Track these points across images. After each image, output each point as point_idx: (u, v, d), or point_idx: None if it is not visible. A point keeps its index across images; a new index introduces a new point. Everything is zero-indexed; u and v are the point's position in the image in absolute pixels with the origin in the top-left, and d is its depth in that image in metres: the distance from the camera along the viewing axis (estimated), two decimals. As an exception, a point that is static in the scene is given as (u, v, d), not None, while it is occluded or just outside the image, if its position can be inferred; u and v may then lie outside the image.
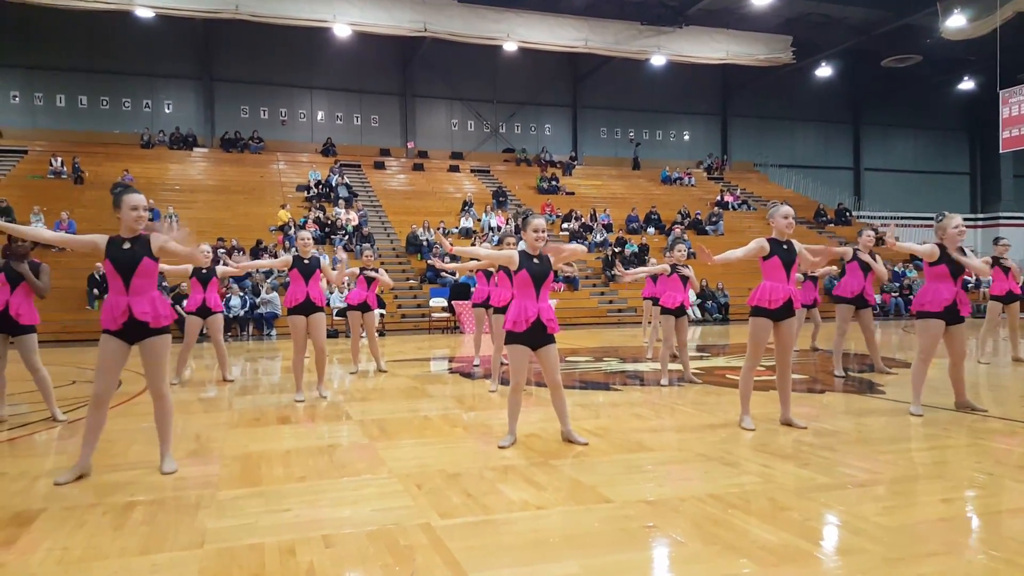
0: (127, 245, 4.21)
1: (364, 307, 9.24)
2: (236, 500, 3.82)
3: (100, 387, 4.23)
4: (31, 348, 5.96)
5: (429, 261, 8.52)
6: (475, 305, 9.05)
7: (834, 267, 11.24)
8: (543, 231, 4.91)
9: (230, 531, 3.33)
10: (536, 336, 4.83)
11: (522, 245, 5.18)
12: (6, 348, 6.06)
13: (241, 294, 16.86)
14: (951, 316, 5.76)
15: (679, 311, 7.90)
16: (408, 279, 20.20)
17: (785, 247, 5.38)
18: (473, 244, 21.30)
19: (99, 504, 3.74)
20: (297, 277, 6.99)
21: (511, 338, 4.84)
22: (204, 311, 8.52)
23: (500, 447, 4.90)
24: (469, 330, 17.35)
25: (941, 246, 5.79)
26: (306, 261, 7.02)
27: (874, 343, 8.53)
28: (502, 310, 7.21)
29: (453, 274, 14.08)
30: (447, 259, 13.89)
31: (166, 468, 4.36)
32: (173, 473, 4.31)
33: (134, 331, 4.21)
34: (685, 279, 7.98)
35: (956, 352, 5.94)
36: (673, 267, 8.00)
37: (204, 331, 8.94)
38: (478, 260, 7.84)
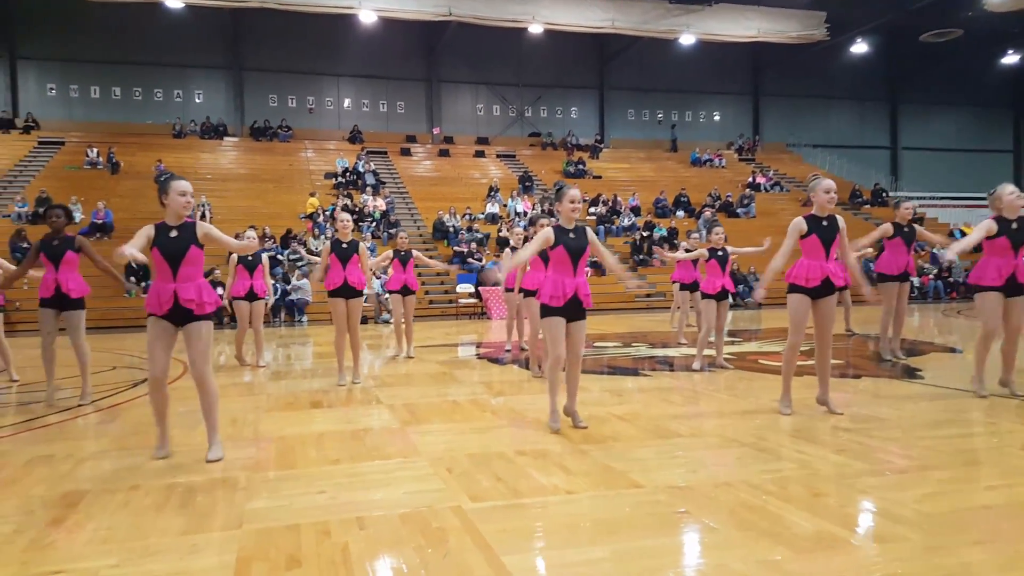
0: (174, 233, 4.21)
1: (405, 290, 9.26)
2: (272, 482, 3.88)
3: (154, 370, 4.30)
4: (77, 325, 6.21)
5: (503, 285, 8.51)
6: (507, 290, 9.05)
7: (869, 250, 10.95)
8: (578, 201, 4.84)
9: (267, 512, 3.39)
10: (572, 310, 4.80)
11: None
12: (56, 324, 6.28)
13: (272, 281, 17.04)
14: (1011, 288, 5.64)
15: (720, 295, 7.79)
16: (434, 257, 20.24)
17: (825, 223, 5.13)
18: (500, 230, 21.32)
19: (141, 486, 3.83)
20: (335, 262, 6.98)
21: (546, 311, 4.81)
22: (251, 296, 8.68)
23: (553, 430, 4.86)
24: (496, 316, 17.38)
25: (998, 218, 5.66)
26: (344, 245, 6.99)
27: (901, 322, 8.16)
28: (533, 293, 7.13)
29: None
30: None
31: (212, 455, 4.29)
32: (219, 461, 4.28)
33: (179, 315, 4.23)
34: (724, 262, 7.80)
35: (1012, 327, 5.77)
36: (711, 251, 7.86)
37: None
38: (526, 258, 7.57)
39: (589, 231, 4.94)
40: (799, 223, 5.17)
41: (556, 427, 4.90)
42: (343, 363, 7.25)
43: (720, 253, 7.78)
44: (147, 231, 4.22)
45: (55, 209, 6.27)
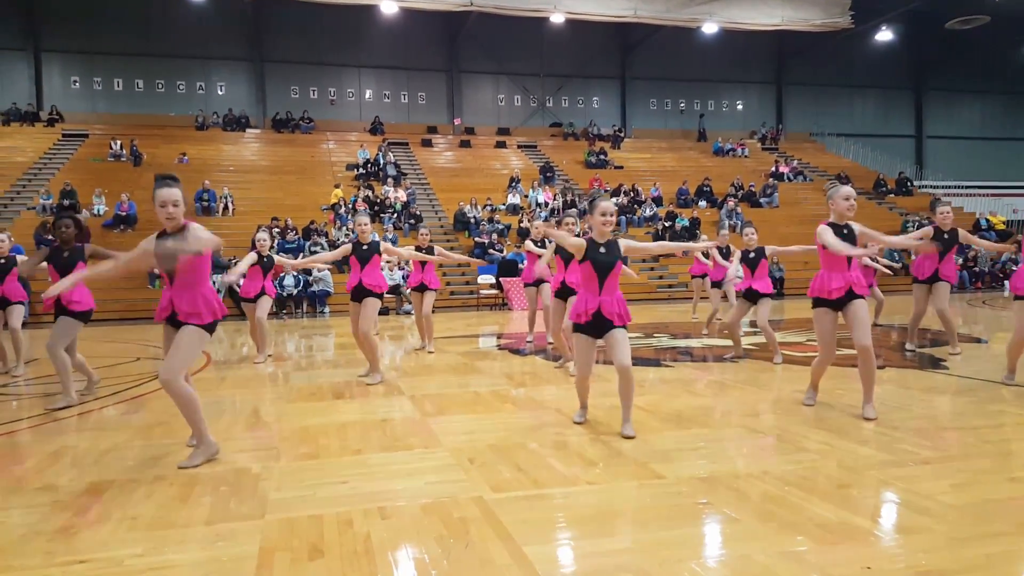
0: (169, 242, 3.96)
1: (421, 287, 9.27)
2: (295, 472, 3.91)
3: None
4: (62, 332, 5.81)
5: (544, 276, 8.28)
6: (527, 285, 9.04)
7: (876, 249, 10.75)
8: (611, 215, 4.59)
9: (290, 502, 3.42)
10: (599, 327, 4.58)
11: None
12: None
13: (294, 273, 17.18)
14: None
15: (748, 295, 7.74)
16: (454, 249, 20.29)
17: (845, 232, 4.93)
18: (521, 222, 21.29)
19: (165, 476, 3.88)
20: (354, 263, 6.94)
21: (575, 328, 4.69)
22: (260, 296, 8.66)
23: (575, 422, 4.88)
24: (518, 307, 17.39)
25: None
26: (364, 247, 6.92)
27: (947, 324, 7.76)
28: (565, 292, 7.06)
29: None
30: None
31: (187, 462, 4.06)
32: (192, 468, 4.01)
33: (177, 321, 4.09)
34: (755, 264, 7.71)
35: None
36: (744, 252, 7.76)
37: None
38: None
39: (622, 242, 4.69)
40: (823, 230, 4.93)
41: (579, 420, 4.92)
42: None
43: (752, 255, 7.64)
44: (146, 243, 4.05)
45: (64, 219, 5.94)
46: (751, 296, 7.67)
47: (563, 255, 6.91)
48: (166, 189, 3.93)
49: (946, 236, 7.36)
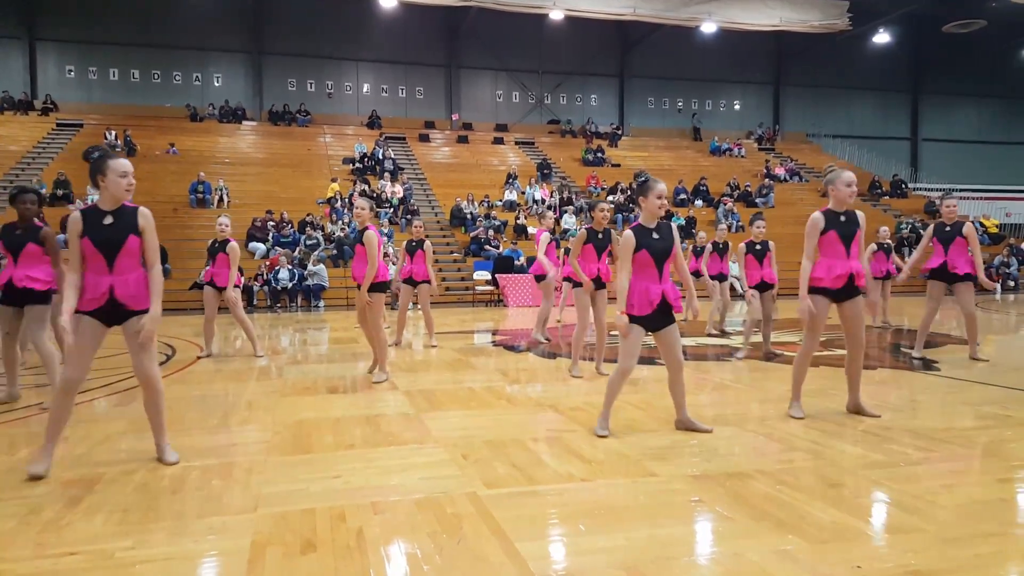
0: (108, 219, 3.73)
1: (410, 281, 9.17)
2: (288, 466, 3.91)
3: (75, 373, 3.80)
4: (37, 319, 5.48)
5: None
6: (537, 278, 9.03)
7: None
8: (666, 196, 4.40)
9: (282, 496, 3.42)
10: (659, 318, 4.38)
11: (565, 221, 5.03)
12: (15, 322, 5.61)
13: (289, 267, 17.15)
14: None
15: (760, 286, 7.82)
16: (452, 252, 20.29)
17: (843, 218, 4.73)
18: (517, 218, 21.29)
19: (157, 469, 3.87)
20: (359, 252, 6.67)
21: (631, 319, 4.36)
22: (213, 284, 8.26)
23: (599, 435, 4.44)
24: (513, 303, 17.38)
25: None
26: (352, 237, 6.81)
27: (974, 324, 7.47)
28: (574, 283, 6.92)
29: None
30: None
31: (168, 458, 3.98)
32: (175, 464, 3.97)
33: (112, 313, 3.78)
34: (761, 256, 7.80)
35: None
36: (749, 245, 7.84)
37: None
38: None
39: (674, 227, 4.49)
40: (816, 219, 4.76)
41: (603, 433, 4.45)
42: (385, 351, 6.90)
43: (758, 247, 7.78)
44: (72, 220, 3.74)
45: (28, 194, 5.53)
46: (763, 287, 7.81)
47: (597, 245, 6.64)
48: (120, 159, 3.78)
49: (948, 229, 7.38)
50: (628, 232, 4.38)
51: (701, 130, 31.88)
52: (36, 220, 5.59)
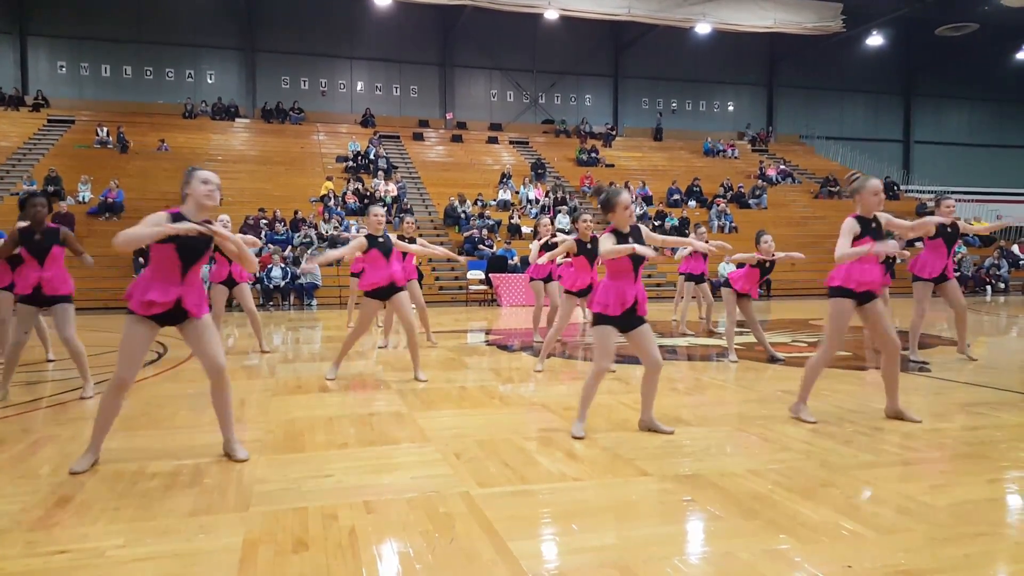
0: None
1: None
2: (280, 465, 3.90)
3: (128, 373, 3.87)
4: (65, 316, 5.66)
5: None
6: (533, 279, 9.03)
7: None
8: (631, 203, 4.52)
9: (274, 495, 3.41)
10: (628, 319, 4.45)
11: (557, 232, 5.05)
12: (33, 321, 5.81)
13: (282, 265, 17.11)
14: None
15: (746, 294, 7.84)
16: (444, 244, 20.25)
17: (874, 225, 4.73)
18: (511, 217, 21.29)
19: (148, 467, 3.86)
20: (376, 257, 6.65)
21: (600, 319, 4.45)
22: (230, 282, 8.37)
23: (575, 437, 4.44)
24: (507, 303, 17.39)
25: None
26: (380, 239, 6.65)
27: (963, 322, 7.58)
28: (584, 292, 6.96)
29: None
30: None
31: (240, 455, 4.02)
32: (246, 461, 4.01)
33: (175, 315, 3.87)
34: (765, 271, 7.79)
35: None
36: (760, 262, 7.78)
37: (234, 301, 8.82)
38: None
39: (643, 229, 4.64)
40: (852, 224, 4.71)
41: (579, 435, 4.46)
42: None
43: (768, 265, 7.72)
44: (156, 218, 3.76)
45: (37, 198, 5.67)
46: (742, 293, 7.82)
47: (587, 256, 6.77)
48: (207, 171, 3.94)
49: (948, 230, 7.39)
50: (608, 234, 4.47)
51: (682, 131, 31.80)
52: (49, 222, 5.76)
